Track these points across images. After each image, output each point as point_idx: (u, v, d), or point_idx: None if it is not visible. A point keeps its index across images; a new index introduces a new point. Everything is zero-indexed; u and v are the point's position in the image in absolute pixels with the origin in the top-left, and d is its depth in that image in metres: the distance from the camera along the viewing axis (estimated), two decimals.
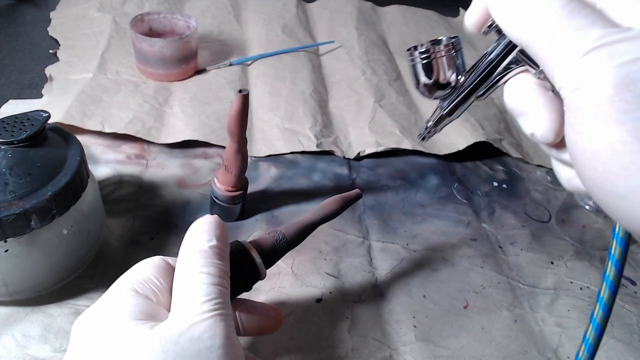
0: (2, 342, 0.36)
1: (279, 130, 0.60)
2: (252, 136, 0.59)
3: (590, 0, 0.19)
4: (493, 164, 0.61)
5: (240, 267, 0.30)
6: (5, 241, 0.35)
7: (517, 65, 0.24)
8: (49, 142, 0.38)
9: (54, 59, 0.67)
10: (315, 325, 0.41)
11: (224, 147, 0.45)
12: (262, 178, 0.55)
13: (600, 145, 0.17)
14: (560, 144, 0.21)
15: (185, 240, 0.28)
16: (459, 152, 0.59)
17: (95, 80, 0.62)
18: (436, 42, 0.26)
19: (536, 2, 0.19)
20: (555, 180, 0.60)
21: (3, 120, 0.37)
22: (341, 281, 0.45)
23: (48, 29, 0.74)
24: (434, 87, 0.27)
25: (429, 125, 0.29)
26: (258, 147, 0.58)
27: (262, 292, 0.43)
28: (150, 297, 0.26)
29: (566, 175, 0.23)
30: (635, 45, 0.17)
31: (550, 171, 0.61)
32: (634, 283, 0.48)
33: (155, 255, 0.30)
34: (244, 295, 0.32)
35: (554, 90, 0.21)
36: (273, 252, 0.32)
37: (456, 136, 0.61)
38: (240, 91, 0.40)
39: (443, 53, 0.26)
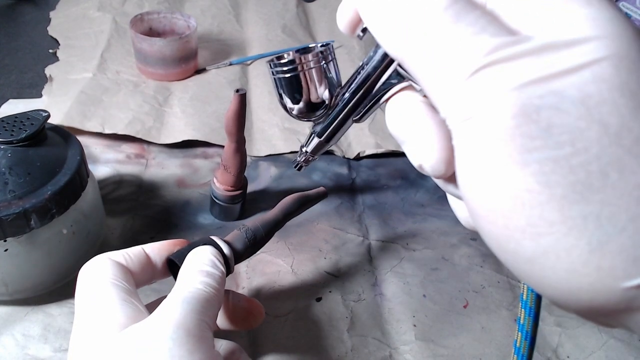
0: (2, 342, 0.36)
1: (279, 130, 0.60)
2: (251, 136, 0.59)
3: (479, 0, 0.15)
4: None
5: None
6: (5, 241, 0.35)
7: (399, 80, 0.19)
8: (49, 141, 0.38)
9: (54, 58, 0.67)
10: (315, 324, 0.41)
11: (223, 147, 0.45)
12: (262, 177, 0.55)
13: (499, 194, 0.13)
14: (454, 176, 0.16)
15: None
16: None
17: (95, 80, 0.62)
18: (304, 51, 0.22)
19: (413, 2, 0.14)
20: None
21: (3, 119, 0.37)
22: (341, 280, 0.45)
23: (48, 28, 0.74)
24: (304, 108, 0.22)
25: (305, 151, 0.24)
26: (258, 146, 0.58)
27: (262, 292, 0.43)
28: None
29: (464, 214, 0.19)
30: (538, 61, 0.13)
31: None
32: None
33: None
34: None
35: None
36: (242, 248, 0.32)
37: None
38: (237, 90, 0.40)
39: (311, 64, 0.21)
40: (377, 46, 0.19)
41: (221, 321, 0.32)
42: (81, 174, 0.38)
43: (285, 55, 0.22)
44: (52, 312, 0.39)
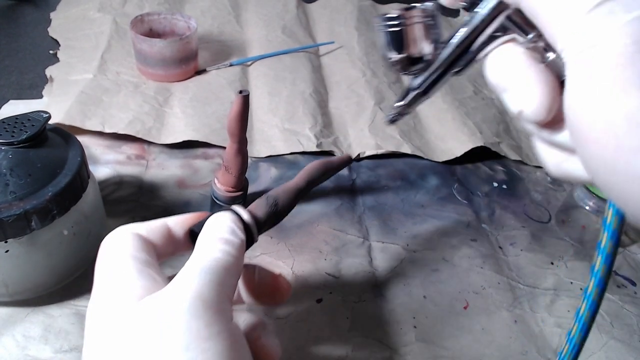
0: (2, 343, 0.36)
1: (279, 131, 0.60)
2: (252, 137, 0.59)
3: None
4: (493, 165, 0.61)
5: None
6: (6, 242, 0.35)
7: (503, 33, 0.21)
8: (50, 142, 0.38)
9: (54, 59, 0.67)
10: (315, 325, 0.41)
11: (224, 148, 0.45)
12: (263, 178, 0.55)
13: (614, 116, 0.15)
14: (551, 123, 0.18)
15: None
16: None
17: (96, 80, 0.62)
18: (410, 9, 0.23)
19: None
20: (555, 181, 0.60)
21: (3, 121, 0.37)
22: (341, 281, 0.45)
23: (48, 29, 0.74)
24: (406, 61, 0.23)
25: (400, 105, 0.26)
26: (258, 147, 0.58)
27: None
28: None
29: (554, 160, 0.21)
30: None
31: None
32: (634, 283, 0.48)
33: None
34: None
35: (544, 63, 0.19)
36: (264, 216, 0.31)
37: (454, 141, 0.61)
38: (240, 92, 0.40)
39: (417, 19, 0.22)
40: (483, 3, 0.21)
41: (246, 297, 0.31)
42: (82, 175, 0.38)
43: (393, 12, 0.23)
44: (52, 313, 0.39)
